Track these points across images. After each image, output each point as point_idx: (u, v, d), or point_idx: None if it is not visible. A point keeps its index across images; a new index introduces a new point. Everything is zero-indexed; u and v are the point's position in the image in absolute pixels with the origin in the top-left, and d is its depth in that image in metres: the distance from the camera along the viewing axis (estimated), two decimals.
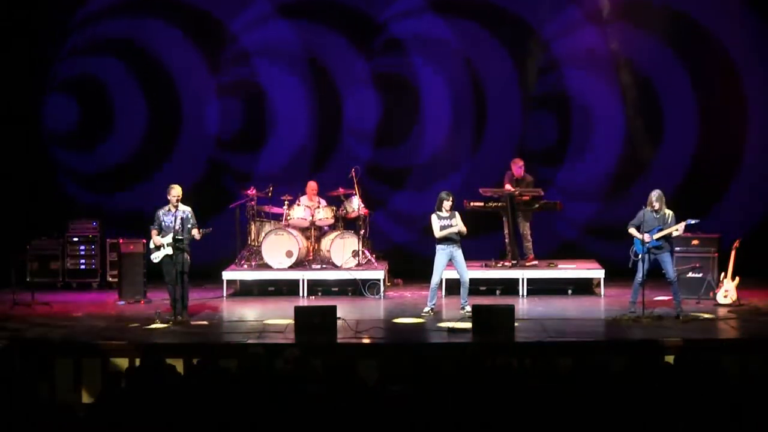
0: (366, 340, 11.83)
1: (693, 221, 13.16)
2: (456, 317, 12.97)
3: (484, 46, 16.92)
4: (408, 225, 16.64)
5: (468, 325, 12.33)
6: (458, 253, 13.56)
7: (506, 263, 15.49)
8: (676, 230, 13.09)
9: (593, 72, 16.85)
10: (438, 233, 13.54)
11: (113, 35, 16.99)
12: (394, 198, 17.28)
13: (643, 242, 12.95)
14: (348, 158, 16.75)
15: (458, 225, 13.50)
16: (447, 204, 13.55)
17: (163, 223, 13.16)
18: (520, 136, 17.08)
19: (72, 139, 17.18)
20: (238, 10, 17.09)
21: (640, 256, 13.01)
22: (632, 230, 13.12)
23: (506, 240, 15.63)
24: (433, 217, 13.59)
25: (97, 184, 17.19)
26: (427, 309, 13.53)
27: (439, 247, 13.58)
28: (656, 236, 12.99)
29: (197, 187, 16.21)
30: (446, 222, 13.52)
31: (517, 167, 15.59)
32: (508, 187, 15.50)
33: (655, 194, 13.13)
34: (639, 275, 13.04)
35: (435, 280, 13.62)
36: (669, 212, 13.11)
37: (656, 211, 13.05)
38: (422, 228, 13.79)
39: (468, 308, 13.07)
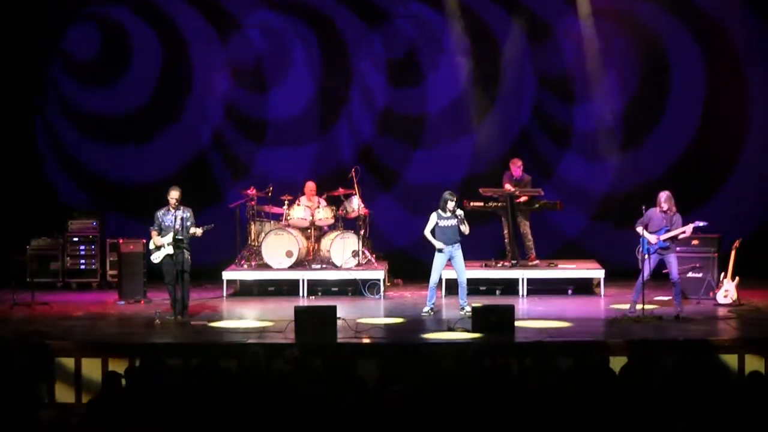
0: (366, 340, 11.82)
1: (701, 224, 13.18)
2: (456, 318, 12.95)
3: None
4: (417, 208, 16.45)
5: (467, 328, 12.29)
6: (458, 254, 13.55)
7: (506, 263, 15.49)
8: (684, 233, 13.12)
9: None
10: (426, 232, 13.53)
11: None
12: (407, 169, 17.26)
13: (649, 242, 13.00)
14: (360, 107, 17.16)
15: (462, 226, 13.47)
16: (450, 204, 13.51)
17: (162, 224, 13.16)
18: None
19: (88, 73, 17.15)
20: None
21: (646, 255, 13.05)
22: (640, 229, 13.13)
23: (506, 240, 15.63)
24: (433, 215, 13.58)
25: (105, 131, 17.18)
26: (426, 309, 13.53)
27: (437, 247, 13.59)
28: (663, 237, 13.02)
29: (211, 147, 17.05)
30: (446, 222, 13.50)
31: (516, 167, 15.59)
32: (507, 186, 15.50)
33: (664, 195, 13.15)
34: (643, 275, 13.08)
35: (434, 279, 13.61)
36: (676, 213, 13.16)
37: (664, 212, 13.08)
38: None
39: (468, 309, 13.05)
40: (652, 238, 13.01)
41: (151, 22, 17.07)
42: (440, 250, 13.46)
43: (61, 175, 17.24)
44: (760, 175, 16.73)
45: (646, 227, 13.07)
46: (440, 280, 14.06)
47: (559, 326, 12.61)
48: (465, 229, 13.50)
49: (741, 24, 16.69)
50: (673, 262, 13.17)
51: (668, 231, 13.05)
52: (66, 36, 17.08)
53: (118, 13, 17.03)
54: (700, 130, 16.83)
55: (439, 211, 13.56)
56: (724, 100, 16.76)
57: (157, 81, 17.17)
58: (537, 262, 15.57)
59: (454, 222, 13.48)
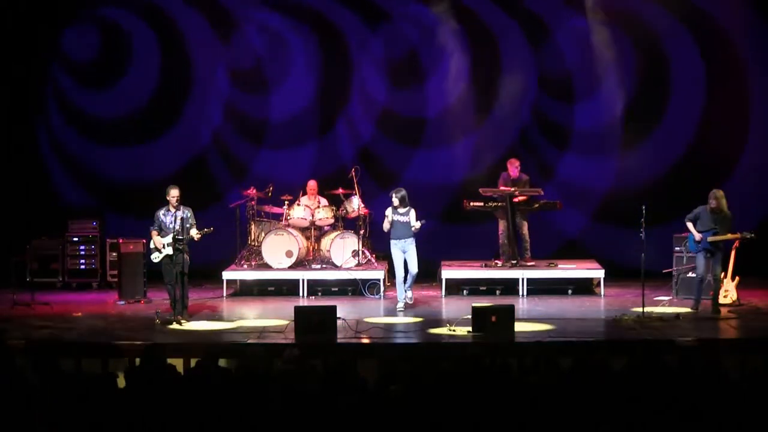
0: (366, 340, 11.83)
1: (749, 235, 13.29)
2: (456, 318, 12.94)
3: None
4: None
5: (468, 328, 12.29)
6: (411, 248, 13.96)
7: (505, 263, 15.48)
8: (732, 238, 13.30)
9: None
10: (384, 226, 13.99)
11: None
12: (407, 170, 17.27)
13: (696, 240, 13.15)
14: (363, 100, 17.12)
15: (411, 222, 13.82)
16: (395, 201, 13.92)
17: (162, 224, 13.17)
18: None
19: (88, 74, 17.13)
20: None
21: (693, 254, 13.35)
22: (689, 224, 13.31)
23: (500, 241, 15.59)
24: (388, 210, 13.99)
25: (106, 131, 17.15)
26: (400, 305, 13.77)
27: (392, 242, 14.00)
28: (710, 239, 13.15)
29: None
30: (400, 218, 13.89)
31: (513, 168, 15.57)
32: (502, 187, 15.49)
33: (718, 193, 13.18)
34: (698, 273, 13.28)
35: (399, 275, 13.96)
36: (729, 213, 13.25)
37: (714, 211, 13.12)
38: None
39: (409, 295, 13.91)
40: (699, 237, 13.13)
41: (150, 23, 17.05)
42: (404, 237, 13.88)
43: (61, 175, 17.24)
44: (760, 175, 16.73)
45: (694, 224, 13.16)
46: (405, 274, 14.14)
47: (559, 326, 12.60)
48: (415, 227, 13.81)
49: (743, 26, 16.71)
50: (717, 262, 13.27)
51: (716, 233, 13.10)
52: (65, 37, 17.07)
53: (117, 15, 17.02)
54: (701, 131, 16.83)
55: (393, 207, 13.93)
56: (724, 100, 16.75)
57: (157, 81, 17.17)
58: (533, 263, 15.56)
59: (406, 218, 13.86)
